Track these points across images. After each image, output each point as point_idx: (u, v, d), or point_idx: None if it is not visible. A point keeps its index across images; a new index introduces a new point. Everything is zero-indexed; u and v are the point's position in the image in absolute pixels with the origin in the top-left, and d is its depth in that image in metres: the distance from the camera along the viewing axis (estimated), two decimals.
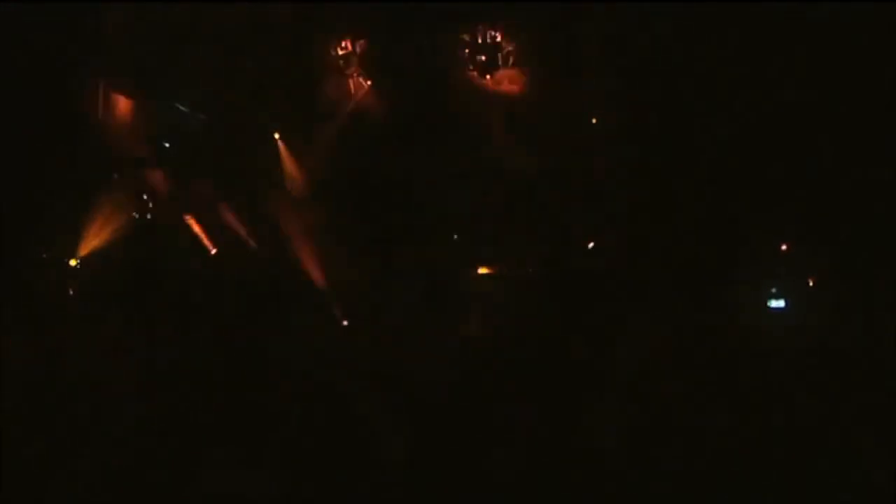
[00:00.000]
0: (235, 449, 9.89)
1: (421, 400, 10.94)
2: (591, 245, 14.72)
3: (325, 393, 10.96)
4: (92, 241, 14.61)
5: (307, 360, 12.13)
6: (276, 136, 15.18)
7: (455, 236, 14.91)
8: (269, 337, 12.87)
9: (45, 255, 14.67)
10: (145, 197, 15.02)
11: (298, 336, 13.06)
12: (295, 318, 13.66)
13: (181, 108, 14.93)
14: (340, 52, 15.03)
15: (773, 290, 13.91)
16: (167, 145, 15.18)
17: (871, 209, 13.16)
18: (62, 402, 10.74)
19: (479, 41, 14.75)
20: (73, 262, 14.60)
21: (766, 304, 13.87)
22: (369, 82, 15.09)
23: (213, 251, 14.98)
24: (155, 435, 10.15)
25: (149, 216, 15.01)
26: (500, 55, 14.74)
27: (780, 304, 13.92)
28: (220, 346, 12.60)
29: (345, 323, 14.34)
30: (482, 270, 14.75)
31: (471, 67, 14.79)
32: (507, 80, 14.84)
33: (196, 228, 14.90)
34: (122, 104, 14.85)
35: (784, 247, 14.15)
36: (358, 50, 15.00)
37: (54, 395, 10.92)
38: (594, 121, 14.89)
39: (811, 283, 14.03)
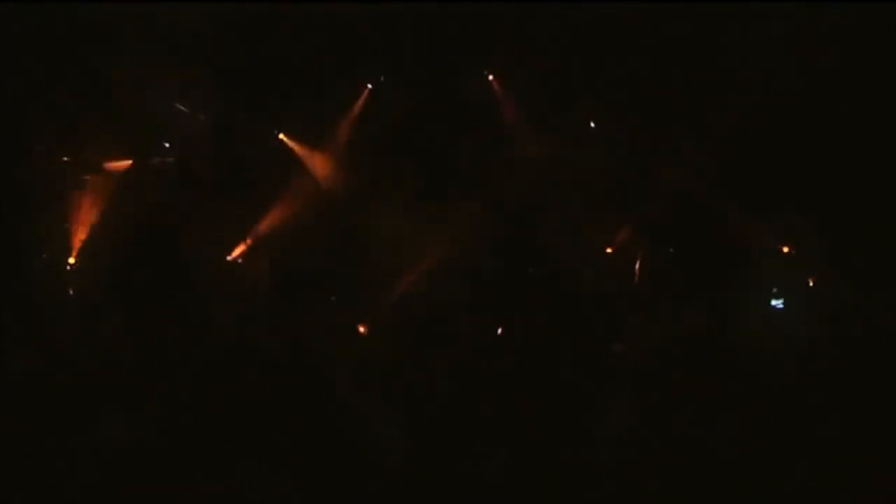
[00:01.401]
0: (236, 449, 9.89)
1: (422, 400, 10.94)
2: (591, 246, 14.73)
3: (328, 394, 10.96)
4: (91, 241, 14.61)
5: (310, 361, 12.13)
6: (281, 136, 15.20)
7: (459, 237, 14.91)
8: (271, 337, 12.87)
9: (44, 255, 14.67)
10: (146, 196, 15.01)
11: (302, 337, 13.05)
12: (299, 319, 13.66)
13: (181, 108, 14.93)
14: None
15: (773, 290, 13.91)
16: (167, 145, 15.20)
17: (871, 209, 13.17)
18: (62, 402, 10.74)
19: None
20: (71, 261, 14.60)
21: (766, 303, 13.86)
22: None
23: (216, 251, 14.98)
24: (156, 436, 10.15)
25: (149, 215, 14.99)
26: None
27: (780, 304, 13.91)
28: (222, 347, 12.60)
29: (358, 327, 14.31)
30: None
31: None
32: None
33: (199, 228, 14.88)
34: (122, 102, 14.84)
35: (784, 247, 14.15)
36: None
37: (54, 395, 10.91)
38: (592, 123, 14.91)
39: (811, 283, 14.02)
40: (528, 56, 14.65)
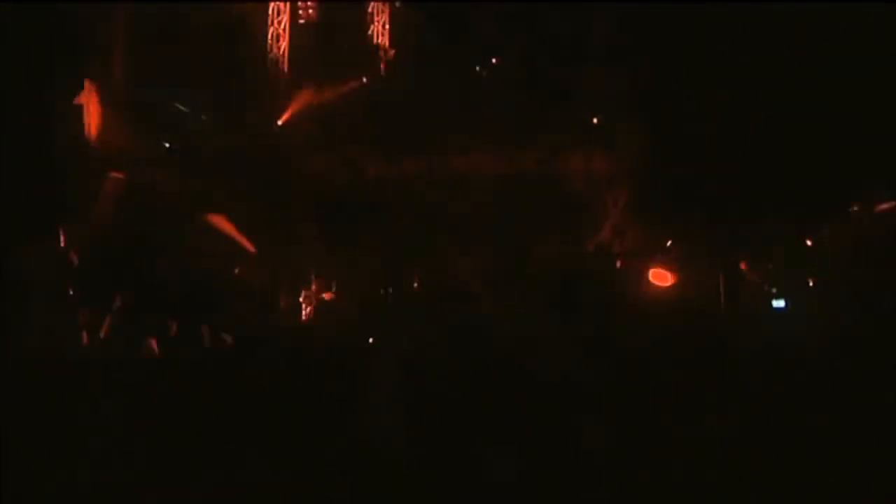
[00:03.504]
0: (237, 445, 9.89)
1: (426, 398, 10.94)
2: (592, 245, 14.73)
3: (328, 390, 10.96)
4: (92, 238, 14.61)
5: (311, 355, 12.16)
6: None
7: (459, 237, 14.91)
8: (270, 332, 12.89)
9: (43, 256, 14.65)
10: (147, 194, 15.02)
11: (301, 331, 13.09)
12: (297, 313, 13.68)
13: (181, 107, 14.94)
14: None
15: (774, 290, 13.91)
16: (167, 145, 15.21)
17: (872, 209, 13.18)
18: (61, 397, 10.73)
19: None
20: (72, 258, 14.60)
21: (768, 304, 13.86)
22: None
23: (215, 250, 14.97)
24: (157, 432, 10.15)
25: (148, 213, 14.99)
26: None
27: (781, 304, 13.91)
28: (221, 342, 12.63)
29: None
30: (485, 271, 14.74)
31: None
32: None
33: (198, 226, 14.89)
34: (123, 102, 14.86)
35: (785, 247, 14.16)
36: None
37: (53, 390, 10.90)
38: (594, 119, 14.90)
39: (811, 283, 14.03)
40: (527, 55, 14.68)
